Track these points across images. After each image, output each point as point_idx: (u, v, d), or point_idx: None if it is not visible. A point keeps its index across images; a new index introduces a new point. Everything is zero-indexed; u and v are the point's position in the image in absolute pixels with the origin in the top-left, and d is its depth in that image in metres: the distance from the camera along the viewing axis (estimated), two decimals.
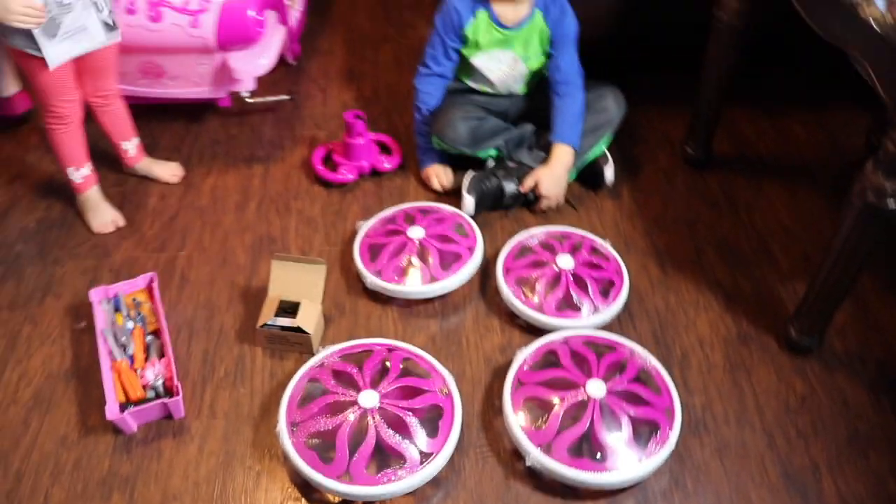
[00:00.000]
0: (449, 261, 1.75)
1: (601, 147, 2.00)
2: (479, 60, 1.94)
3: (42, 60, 1.63)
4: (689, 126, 2.10)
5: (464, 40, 1.92)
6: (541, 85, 2.00)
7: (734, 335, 1.69)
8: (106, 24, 1.70)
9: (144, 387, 1.50)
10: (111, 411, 1.43)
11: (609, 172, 1.99)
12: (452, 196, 1.97)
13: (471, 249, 1.78)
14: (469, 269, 1.75)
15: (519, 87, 2.01)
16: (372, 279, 1.73)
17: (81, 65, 1.74)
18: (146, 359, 1.56)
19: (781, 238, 1.91)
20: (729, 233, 1.93)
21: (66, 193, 1.95)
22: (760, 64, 2.35)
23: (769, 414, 1.53)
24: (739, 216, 1.97)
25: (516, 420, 1.44)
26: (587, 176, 2.02)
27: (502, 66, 1.95)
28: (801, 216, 1.97)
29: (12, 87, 2.20)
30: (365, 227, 1.87)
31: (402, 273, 1.73)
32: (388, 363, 1.53)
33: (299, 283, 1.66)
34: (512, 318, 1.70)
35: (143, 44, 1.97)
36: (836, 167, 2.11)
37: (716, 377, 1.60)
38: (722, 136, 2.18)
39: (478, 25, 1.89)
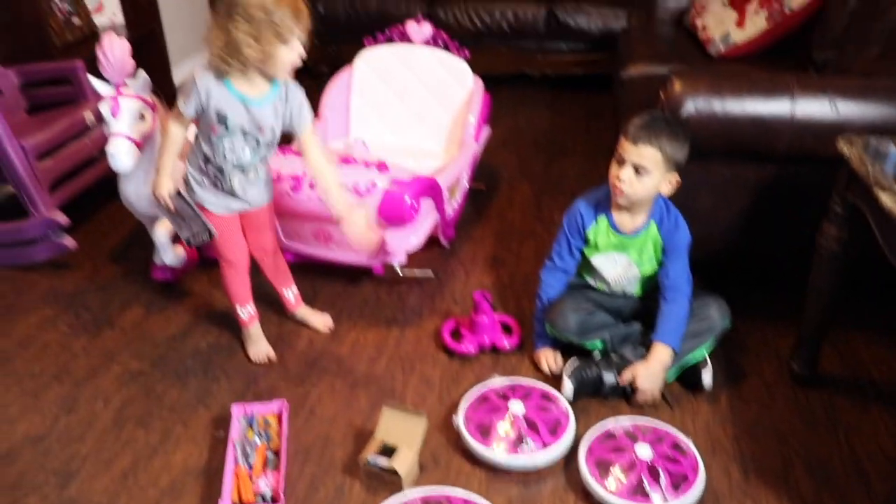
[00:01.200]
0: (517, 444, 1.91)
1: (702, 352, 2.13)
2: (597, 260, 2.19)
3: (218, 215, 2.06)
4: (795, 343, 2.20)
5: (586, 241, 2.18)
6: (655, 288, 2.19)
7: None
8: (265, 188, 2.13)
9: (255, 493, 1.77)
10: None
11: (707, 377, 2.11)
12: (558, 380, 2.15)
13: (545, 446, 1.91)
14: (525, 461, 1.88)
15: (632, 289, 2.22)
16: (457, 419, 1.96)
17: (245, 222, 2.15)
18: (263, 470, 1.84)
19: (881, 464, 1.91)
20: (823, 451, 1.95)
21: (235, 325, 2.33)
22: (888, 290, 2.42)
23: None
24: (837, 437, 2.00)
25: None
26: (686, 377, 2.15)
27: (617, 267, 2.18)
28: None
29: None
30: (495, 382, 2.10)
31: (482, 432, 1.93)
32: None
33: (402, 431, 1.89)
34: (587, 495, 1.82)
35: (317, 213, 2.37)
36: None
37: None
38: (834, 357, 2.24)
39: (598, 229, 2.15)
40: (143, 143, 2.19)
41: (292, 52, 1.88)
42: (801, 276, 2.10)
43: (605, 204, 2.14)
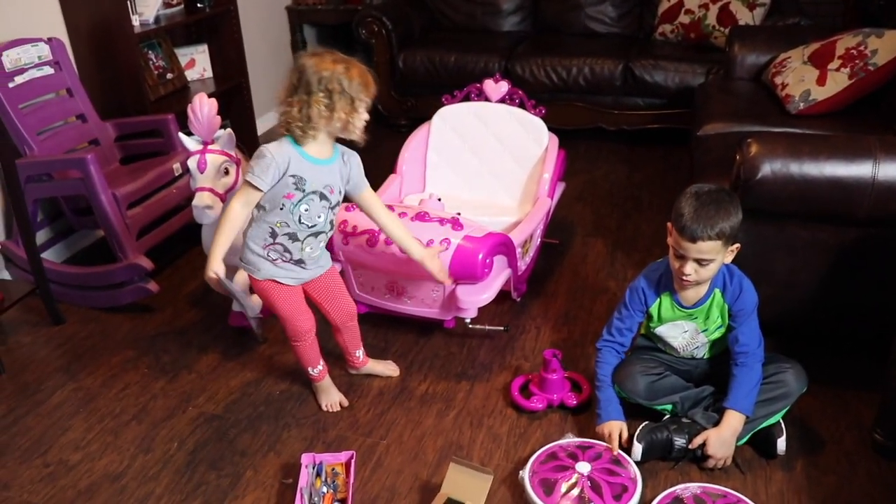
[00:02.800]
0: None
1: (776, 418, 2.07)
2: (661, 330, 2.16)
3: (283, 287, 2.12)
4: (879, 411, 2.11)
5: (648, 316, 2.17)
6: (725, 351, 2.14)
7: None
8: (325, 251, 2.20)
9: None
10: None
11: (781, 444, 2.05)
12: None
13: None
14: None
15: (702, 353, 2.18)
16: (524, 473, 1.95)
17: (321, 292, 2.23)
18: None
19: None
20: None
21: (306, 376, 2.38)
22: None
23: None
24: None
25: None
26: (759, 442, 2.09)
27: (685, 335, 2.14)
28: None
29: None
30: (566, 440, 2.10)
31: (546, 488, 1.91)
32: None
33: (468, 487, 1.89)
34: None
35: (392, 268, 2.43)
36: None
37: None
38: None
39: (661, 304, 2.13)
40: (226, 197, 2.28)
41: (363, 117, 1.99)
42: (884, 340, 2.04)
43: (666, 279, 2.11)
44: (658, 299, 2.13)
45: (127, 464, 2.14)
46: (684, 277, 1.98)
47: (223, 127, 2.35)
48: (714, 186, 2.00)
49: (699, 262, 1.95)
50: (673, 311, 2.12)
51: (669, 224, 2.00)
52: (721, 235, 1.91)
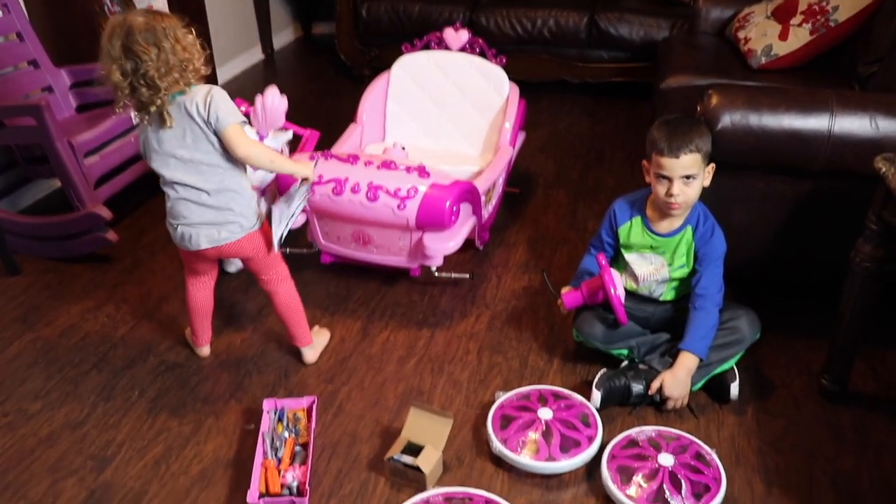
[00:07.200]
0: (568, 445, 1.92)
1: (730, 363, 2.13)
2: (630, 257, 2.21)
3: None
4: (826, 358, 2.18)
5: (618, 238, 2.21)
6: (685, 297, 2.19)
7: None
8: None
9: (282, 485, 1.81)
10: (251, 496, 1.76)
11: (734, 389, 2.11)
12: (586, 387, 2.16)
13: (590, 439, 1.94)
14: (584, 457, 1.92)
15: (660, 292, 2.22)
16: (498, 445, 1.94)
17: None
18: (291, 463, 1.88)
19: None
20: (849, 468, 1.94)
21: (267, 323, 2.39)
22: None
23: None
24: (866, 454, 1.98)
25: None
26: (713, 388, 2.15)
27: (649, 266, 2.18)
28: None
29: None
30: (502, 398, 2.11)
31: (525, 447, 1.94)
32: None
33: (428, 431, 1.92)
34: (608, 501, 1.84)
35: (359, 216, 2.41)
36: None
37: None
38: (866, 373, 2.23)
39: (632, 229, 2.17)
40: (264, 191, 2.22)
41: None
42: (835, 291, 2.09)
43: (640, 205, 2.17)
44: (629, 222, 2.18)
45: (87, 412, 2.14)
46: (673, 199, 2.03)
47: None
48: (680, 115, 2.08)
49: (685, 179, 2.01)
50: (643, 236, 2.16)
51: (645, 162, 2.07)
52: (699, 149, 1.99)
